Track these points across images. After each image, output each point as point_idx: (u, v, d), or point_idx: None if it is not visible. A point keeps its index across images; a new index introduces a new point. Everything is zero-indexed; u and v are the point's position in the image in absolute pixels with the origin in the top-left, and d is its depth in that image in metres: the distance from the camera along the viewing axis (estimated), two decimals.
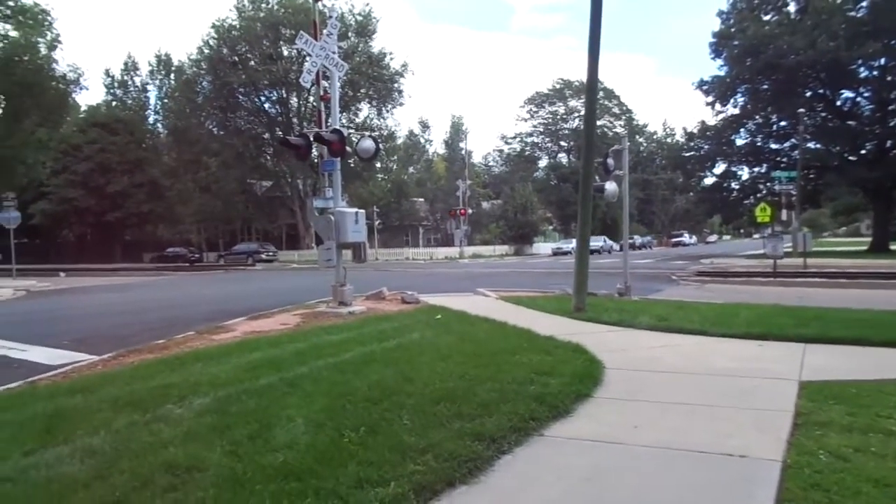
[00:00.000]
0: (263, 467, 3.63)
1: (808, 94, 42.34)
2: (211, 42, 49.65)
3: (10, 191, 31.81)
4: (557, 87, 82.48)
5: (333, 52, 12.06)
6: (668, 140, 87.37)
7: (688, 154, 50.13)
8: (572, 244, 57.03)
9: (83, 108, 60.57)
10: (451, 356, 6.70)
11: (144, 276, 34.67)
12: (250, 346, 7.91)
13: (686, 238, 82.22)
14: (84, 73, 43.03)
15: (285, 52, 47.21)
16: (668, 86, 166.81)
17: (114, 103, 63.78)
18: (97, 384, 6.03)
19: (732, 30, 42.38)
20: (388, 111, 53.62)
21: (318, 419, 4.52)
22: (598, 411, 4.95)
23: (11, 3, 32.10)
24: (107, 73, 65.64)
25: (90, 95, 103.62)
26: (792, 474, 3.61)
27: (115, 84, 65.10)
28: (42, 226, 54.04)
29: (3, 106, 33.58)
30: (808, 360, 6.63)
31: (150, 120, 64.00)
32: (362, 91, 50.92)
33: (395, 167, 65.52)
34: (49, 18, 33.68)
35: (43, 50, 33.24)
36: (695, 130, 48.16)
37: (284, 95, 50.71)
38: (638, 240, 66.70)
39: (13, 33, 32.62)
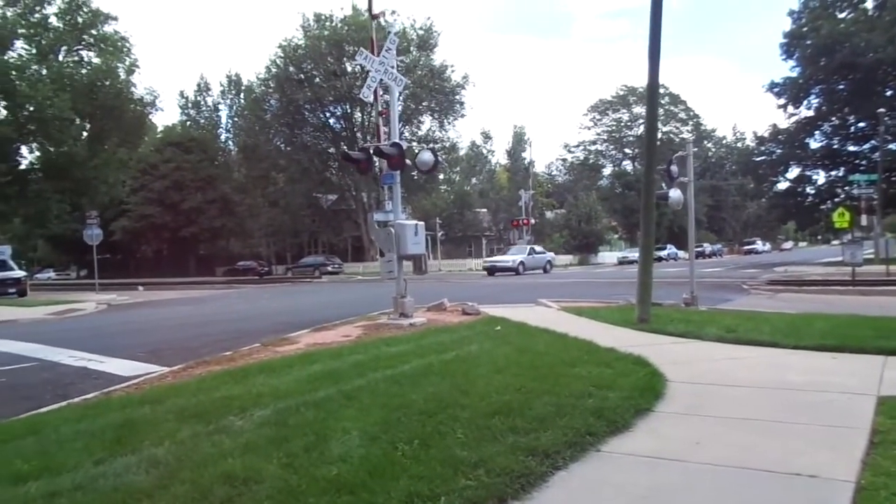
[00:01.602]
0: (317, 480, 3.67)
1: (889, 93, 40.38)
2: (278, 61, 51.22)
3: (94, 209, 33.63)
4: (621, 93, 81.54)
5: (392, 67, 12.23)
6: (738, 145, 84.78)
7: (759, 159, 48.62)
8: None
9: (159, 128, 63.45)
10: (508, 368, 6.64)
11: (216, 289, 35.85)
12: (312, 358, 8.05)
13: (759, 245, 79.32)
14: (160, 96, 45.22)
15: (349, 69, 48.21)
16: (738, 89, 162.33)
17: (187, 123, 66.64)
18: (166, 395, 6.25)
19: (805, 29, 40.94)
20: (449, 123, 54.05)
21: (372, 432, 4.55)
22: (659, 426, 4.80)
23: (94, 32, 34.01)
24: (181, 94, 68.77)
25: (165, 116, 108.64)
26: (866, 497, 3.41)
27: (189, 104, 68.12)
28: (122, 242, 56.81)
29: (87, 129, 35.42)
30: (889, 375, 6.26)
31: (222, 138, 66.59)
32: (424, 104, 51.48)
33: (457, 178, 65.81)
34: (128, 45, 35.61)
35: (122, 75, 35.08)
36: (766, 134, 46.69)
37: (349, 110, 51.75)
38: (707, 248, 64.74)
39: (95, 60, 34.54)
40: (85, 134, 35.03)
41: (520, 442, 4.24)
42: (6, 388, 8.13)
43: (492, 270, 35.63)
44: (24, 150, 34.54)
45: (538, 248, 41.07)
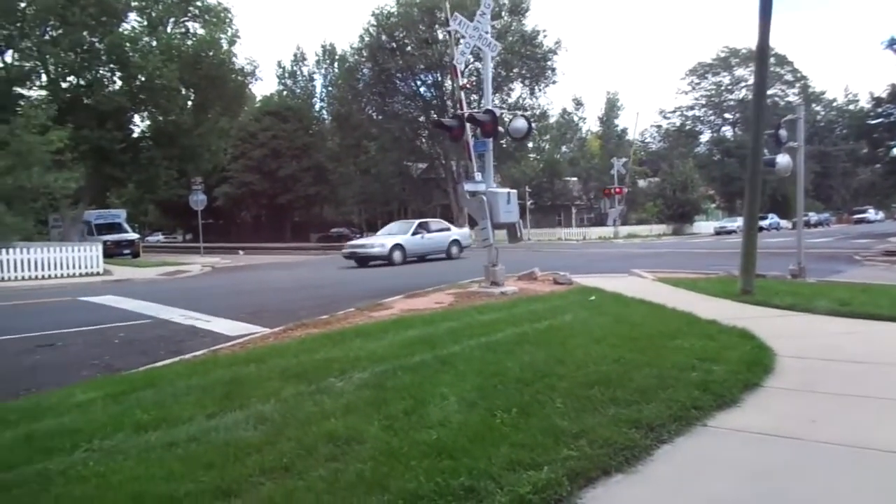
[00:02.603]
0: (418, 443, 3.71)
1: None
2: (371, 30, 51.49)
3: (198, 176, 35.22)
4: (722, 55, 77.38)
5: (486, 33, 12.03)
6: (851, 107, 78.99)
7: (875, 122, 45.22)
8: (737, 222, 53.61)
9: (258, 98, 65.46)
10: (605, 339, 6.50)
11: (311, 255, 37.01)
12: (406, 323, 8.16)
13: (871, 214, 74.05)
14: (259, 66, 46.23)
15: (440, 36, 47.93)
16: (851, 48, 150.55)
17: (284, 93, 68.38)
18: (268, 355, 6.49)
19: None
20: (540, 90, 52.88)
21: (470, 398, 4.56)
22: (769, 402, 4.57)
23: (199, 3, 35.20)
24: (278, 64, 71.12)
25: (264, 86, 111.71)
26: None
27: (286, 74, 69.78)
28: (224, 207, 59.50)
29: (192, 98, 36.94)
30: None
31: (316, 107, 67.98)
32: (515, 70, 50.59)
33: (547, 146, 64.62)
34: (230, 15, 36.60)
35: (224, 45, 36.11)
36: (884, 95, 43.20)
37: (439, 79, 51.57)
38: (813, 217, 61.13)
39: (200, 31, 35.76)
40: (190, 103, 36.51)
41: (621, 413, 4.13)
42: (125, 342, 8.69)
43: (355, 259, 23.43)
44: (136, 118, 36.49)
45: (435, 222, 27.59)
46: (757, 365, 5.38)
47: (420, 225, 25.68)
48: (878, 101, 44.60)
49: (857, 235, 38.72)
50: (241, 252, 38.85)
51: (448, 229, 26.55)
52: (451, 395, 4.61)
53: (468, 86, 12.82)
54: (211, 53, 34.96)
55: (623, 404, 4.33)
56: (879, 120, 44.65)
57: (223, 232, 66.07)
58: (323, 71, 68.69)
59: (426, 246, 24.87)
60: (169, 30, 34.82)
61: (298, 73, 69.82)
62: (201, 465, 3.58)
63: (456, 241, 25.91)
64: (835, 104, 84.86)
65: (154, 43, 32.43)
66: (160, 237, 79.45)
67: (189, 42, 35.00)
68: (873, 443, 3.70)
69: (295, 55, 70.20)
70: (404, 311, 9.71)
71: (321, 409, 4.49)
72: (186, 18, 35.78)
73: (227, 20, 36.42)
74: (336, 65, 64.91)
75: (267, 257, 35.71)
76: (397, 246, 23.34)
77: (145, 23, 33.71)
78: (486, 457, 3.44)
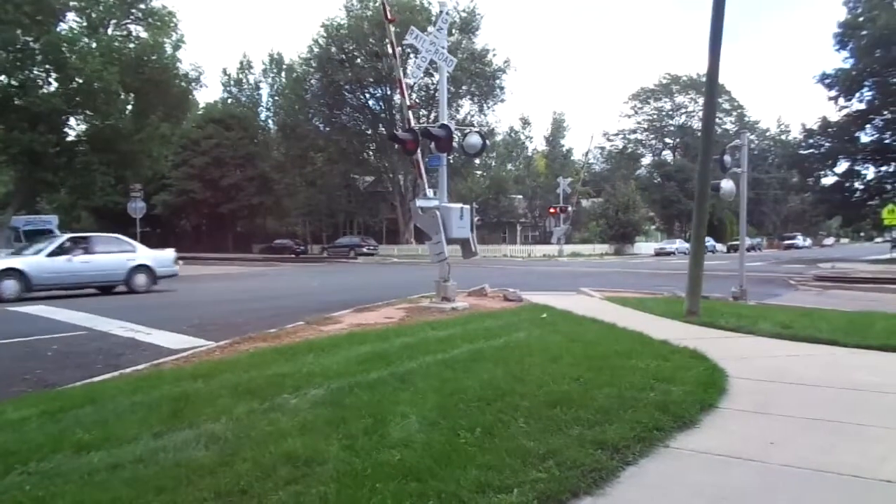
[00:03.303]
0: (381, 464, 3.58)
1: None
2: (320, 41, 51.19)
3: (137, 182, 34.15)
4: (664, 81, 79.99)
5: (443, 47, 12.05)
6: (783, 137, 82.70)
7: (806, 152, 47.28)
8: (676, 244, 55.28)
9: (202, 104, 64.06)
10: (561, 357, 6.49)
11: (253, 266, 36.23)
12: (359, 338, 8.00)
13: (799, 240, 77.53)
14: (204, 72, 45.50)
15: (390, 50, 48.05)
16: (783, 81, 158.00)
17: (229, 100, 67.16)
18: (217, 370, 6.23)
19: (861, 19, 39.54)
20: (489, 107, 53.66)
21: (431, 417, 4.45)
22: (727, 424, 4.62)
23: (143, 6, 34.35)
24: (224, 71, 69.38)
25: (208, 93, 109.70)
26: None
27: (231, 82, 68.59)
28: (163, 216, 57.69)
29: (133, 103, 35.90)
30: None
31: (262, 116, 66.97)
32: (464, 88, 51.09)
33: (494, 164, 65.30)
34: (175, 20, 35.83)
35: (169, 50, 35.32)
36: (815, 127, 45.33)
37: (388, 92, 51.60)
38: (747, 241, 63.40)
39: (143, 34, 34.90)
40: (130, 108, 35.50)
41: (586, 434, 4.10)
42: (59, 355, 8.24)
43: None
44: (72, 121, 35.23)
45: (105, 239, 19.31)
46: (712, 386, 5.45)
47: (74, 241, 17.62)
48: (809, 133, 46.65)
49: (789, 260, 40.30)
50: (180, 262, 37.66)
51: (131, 250, 18.75)
52: (412, 414, 4.50)
53: (414, 106, 12.87)
54: (154, 58, 34.17)
55: (587, 424, 4.30)
56: (810, 151, 46.68)
57: (161, 241, 63.34)
58: (270, 80, 67.89)
59: (78, 272, 16.73)
60: (110, 32, 33.87)
61: (244, 81, 68.77)
62: (150, 488, 3.36)
63: (143, 268, 18.30)
64: (768, 134, 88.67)
65: (94, 45, 31.43)
66: None
67: (131, 45, 34.14)
68: (830, 466, 3.75)
69: (241, 63, 69.08)
70: (354, 325, 9.55)
71: (277, 427, 4.30)
72: (129, 21, 34.89)
73: (172, 24, 35.69)
74: (283, 74, 64.21)
75: (208, 268, 34.70)
76: (10, 272, 15.57)
77: (85, 24, 32.66)
78: (455, 479, 3.34)
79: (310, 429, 4.27)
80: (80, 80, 30.42)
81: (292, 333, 8.82)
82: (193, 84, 40.51)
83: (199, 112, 61.42)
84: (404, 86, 12.48)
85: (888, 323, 9.04)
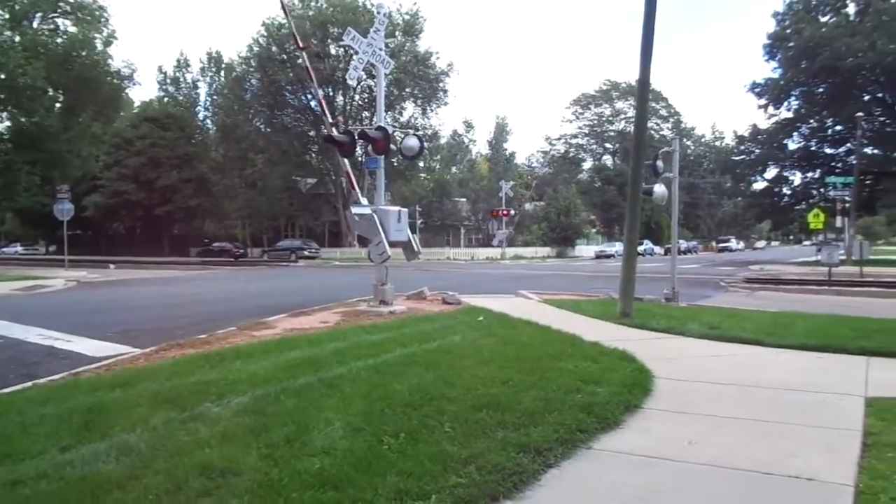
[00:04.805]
0: (300, 473, 3.49)
1: (867, 97, 40.99)
2: (261, 40, 50.35)
3: (65, 183, 32.79)
4: (604, 88, 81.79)
5: (380, 49, 11.97)
6: (717, 143, 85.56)
7: (738, 158, 49.02)
8: (615, 247, 56.27)
9: (136, 103, 62.14)
10: (493, 360, 6.51)
11: (190, 270, 35.27)
12: (290, 343, 7.83)
13: (733, 244, 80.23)
14: (137, 70, 44.10)
15: (332, 51, 47.55)
16: (718, 89, 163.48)
17: (165, 99, 65.35)
18: (138, 378, 6.00)
19: (788, 31, 41.20)
20: (432, 110, 53.70)
21: (356, 423, 4.38)
22: (650, 424, 4.70)
23: (71, 0, 33.06)
24: (160, 69, 67.51)
25: (143, 91, 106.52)
26: (866, 501, 3.34)
27: (168, 80, 66.76)
28: (94, 218, 55.54)
29: (60, 100, 34.50)
30: (874, 376, 6.25)
31: (200, 116, 65.39)
32: (407, 90, 51.03)
33: (437, 167, 65.40)
34: (105, 15, 34.64)
35: (99, 46, 34.10)
36: (746, 134, 47.03)
37: (331, 93, 51.11)
38: (683, 244, 65.27)
39: (72, 29, 33.61)
40: (58, 105, 34.11)
41: (510, 438, 4.10)
42: None
43: None
44: None
45: None
46: (637, 387, 5.54)
47: None
48: (741, 140, 48.35)
49: (722, 263, 41.62)
50: (111, 266, 36.43)
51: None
52: (337, 421, 4.41)
53: (337, 122, 12.79)
54: (84, 53, 32.93)
55: (511, 428, 4.31)
56: (742, 157, 48.39)
57: (92, 244, 61.66)
58: (208, 79, 66.36)
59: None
60: (35, 25, 32.47)
61: (181, 79, 67.03)
62: None
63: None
64: (703, 140, 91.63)
65: (17, 38, 30.05)
66: (18, 248, 73.25)
67: (59, 40, 32.84)
68: (745, 464, 3.85)
69: (178, 61, 67.22)
70: (288, 330, 9.36)
71: (195, 437, 4.16)
72: (56, 15, 33.55)
73: (103, 19, 34.49)
74: (223, 73, 62.87)
75: (142, 272, 33.63)
76: None
77: (7, 16, 31.21)
78: (372, 487, 3.29)
79: (230, 438, 4.14)
80: (2, 76, 29.04)
81: (223, 339, 8.58)
82: (126, 82, 39.36)
83: (134, 111, 59.60)
84: (324, 105, 12.39)
85: (808, 324, 9.41)
